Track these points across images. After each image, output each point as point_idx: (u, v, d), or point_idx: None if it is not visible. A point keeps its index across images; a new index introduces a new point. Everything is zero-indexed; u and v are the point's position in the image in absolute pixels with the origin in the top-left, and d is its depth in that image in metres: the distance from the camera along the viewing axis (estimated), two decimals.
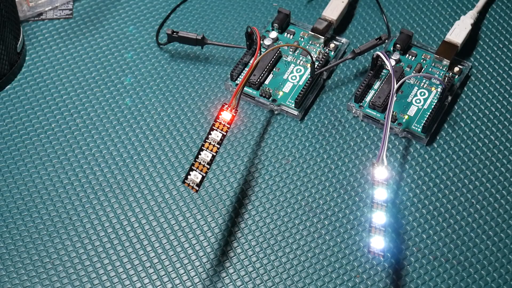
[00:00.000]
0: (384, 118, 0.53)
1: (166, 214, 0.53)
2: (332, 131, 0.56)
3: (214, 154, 0.47)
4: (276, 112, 0.58)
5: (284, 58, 0.60)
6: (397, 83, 0.53)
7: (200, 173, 0.47)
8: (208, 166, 0.47)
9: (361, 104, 0.57)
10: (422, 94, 0.57)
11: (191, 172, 0.47)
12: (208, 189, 0.54)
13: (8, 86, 0.60)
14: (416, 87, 0.57)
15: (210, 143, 0.48)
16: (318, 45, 0.60)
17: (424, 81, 0.58)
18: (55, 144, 0.56)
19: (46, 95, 0.59)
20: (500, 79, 0.59)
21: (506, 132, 0.56)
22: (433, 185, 0.53)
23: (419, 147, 0.55)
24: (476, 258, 0.50)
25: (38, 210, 0.53)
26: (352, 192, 0.53)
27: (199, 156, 0.47)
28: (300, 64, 0.59)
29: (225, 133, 0.48)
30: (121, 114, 0.58)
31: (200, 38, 0.60)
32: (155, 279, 0.50)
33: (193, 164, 0.47)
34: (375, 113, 0.56)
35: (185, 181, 0.47)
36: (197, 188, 0.47)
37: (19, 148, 0.56)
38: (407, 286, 0.49)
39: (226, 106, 0.48)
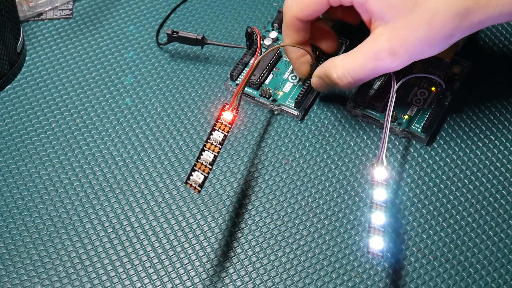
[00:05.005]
0: (384, 118, 0.53)
1: (166, 214, 0.53)
2: (332, 131, 0.57)
3: (216, 154, 0.47)
4: (276, 112, 0.58)
5: (284, 58, 0.60)
6: (397, 83, 0.53)
7: (202, 174, 0.47)
8: (210, 167, 0.47)
9: (361, 104, 0.57)
10: (422, 94, 0.57)
11: (193, 173, 0.47)
12: (208, 189, 0.54)
13: (8, 86, 0.60)
14: (416, 87, 0.57)
15: (211, 144, 0.48)
16: None
17: (424, 81, 0.58)
18: (55, 144, 0.56)
19: (46, 95, 0.59)
20: (500, 79, 0.59)
21: (506, 132, 0.56)
22: (433, 185, 0.53)
23: (419, 147, 0.55)
24: (476, 258, 0.50)
25: (38, 210, 0.53)
26: (352, 192, 0.53)
27: (201, 156, 0.47)
28: None
29: (226, 133, 0.48)
30: (121, 114, 0.58)
31: (200, 38, 0.60)
32: (155, 279, 0.50)
33: (195, 165, 0.47)
34: (375, 113, 0.56)
35: (187, 181, 0.47)
36: (199, 189, 0.47)
37: (19, 148, 0.56)
38: (407, 286, 0.49)
39: (227, 106, 0.48)
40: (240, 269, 0.50)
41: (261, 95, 0.58)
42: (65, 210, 0.53)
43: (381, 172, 0.47)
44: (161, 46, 0.62)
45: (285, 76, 0.59)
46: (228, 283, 0.49)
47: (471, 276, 0.49)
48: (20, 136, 0.57)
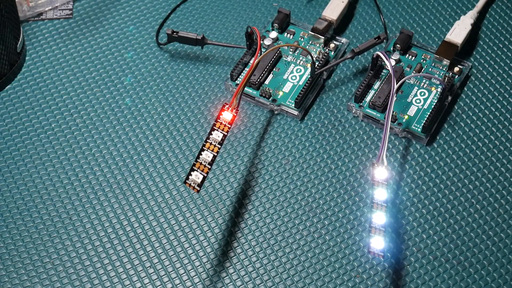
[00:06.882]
0: (384, 118, 0.53)
1: (166, 214, 0.53)
2: (332, 131, 0.56)
3: (215, 154, 0.47)
4: (276, 112, 0.58)
5: (284, 58, 0.60)
6: (397, 83, 0.53)
7: (201, 173, 0.47)
8: (209, 166, 0.47)
9: (361, 104, 0.57)
10: (422, 94, 0.57)
11: (192, 173, 0.47)
12: (208, 189, 0.54)
13: (8, 86, 0.60)
14: (416, 87, 0.57)
15: (211, 143, 0.48)
16: (318, 45, 0.60)
17: (424, 81, 0.58)
18: (55, 144, 0.56)
19: (46, 95, 0.59)
20: (500, 79, 0.59)
21: (506, 132, 0.56)
22: (433, 185, 0.53)
23: (419, 147, 0.55)
24: (476, 258, 0.50)
25: (38, 210, 0.53)
26: (352, 192, 0.53)
27: (200, 156, 0.47)
28: (300, 64, 0.59)
29: (226, 133, 0.48)
30: (121, 114, 0.58)
31: (200, 38, 0.60)
32: (155, 279, 0.50)
33: (194, 165, 0.47)
34: (375, 113, 0.56)
35: (186, 181, 0.47)
36: (198, 189, 0.47)
37: (19, 148, 0.56)
38: (407, 286, 0.49)
39: (227, 106, 0.48)
40: (240, 269, 0.50)
41: (261, 95, 0.58)
42: (65, 210, 0.53)
43: (381, 172, 0.47)
44: (161, 46, 0.62)
45: (285, 76, 0.59)
46: (228, 283, 0.49)
47: (471, 276, 0.49)
48: (20, 136, 0.57)
